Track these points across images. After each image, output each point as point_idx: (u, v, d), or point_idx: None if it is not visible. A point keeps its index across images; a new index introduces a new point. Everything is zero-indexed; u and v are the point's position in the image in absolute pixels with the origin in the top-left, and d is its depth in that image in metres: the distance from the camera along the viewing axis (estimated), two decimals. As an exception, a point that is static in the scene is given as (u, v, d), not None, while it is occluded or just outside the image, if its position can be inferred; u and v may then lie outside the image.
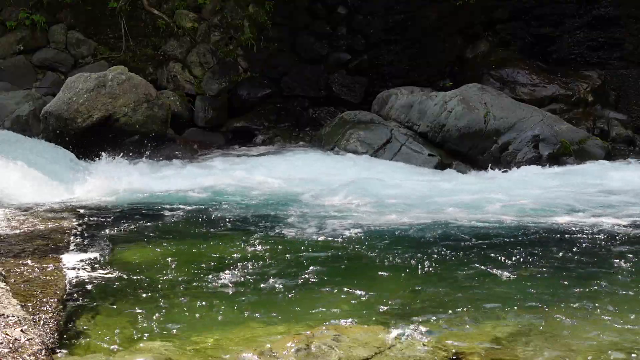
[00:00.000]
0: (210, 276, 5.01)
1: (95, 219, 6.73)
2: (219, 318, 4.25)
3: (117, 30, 12.75)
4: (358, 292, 4.71)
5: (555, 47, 12.39)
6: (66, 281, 4.63)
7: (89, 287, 4.67)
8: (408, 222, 6.68)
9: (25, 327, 3.18)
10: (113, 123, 10.23)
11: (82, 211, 7.04)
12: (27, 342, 3.03)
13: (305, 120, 12.49)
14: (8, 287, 3.82)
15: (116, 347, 3.77)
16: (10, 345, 2.97)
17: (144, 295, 4.60)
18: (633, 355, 3.69)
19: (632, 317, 4.22)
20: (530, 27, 12.48)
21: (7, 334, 3.06)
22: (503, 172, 9.76)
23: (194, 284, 4.85)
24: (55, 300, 4.15)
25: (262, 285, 4.85)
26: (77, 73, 11.09)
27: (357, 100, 12.53)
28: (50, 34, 12.67)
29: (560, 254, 5.62)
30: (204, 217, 6.97)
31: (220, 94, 12.43)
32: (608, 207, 7.38)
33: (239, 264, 5.32)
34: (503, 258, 5.47)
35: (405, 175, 9.24)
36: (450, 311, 4.35)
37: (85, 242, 5.78)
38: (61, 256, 5.17)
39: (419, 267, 5.29)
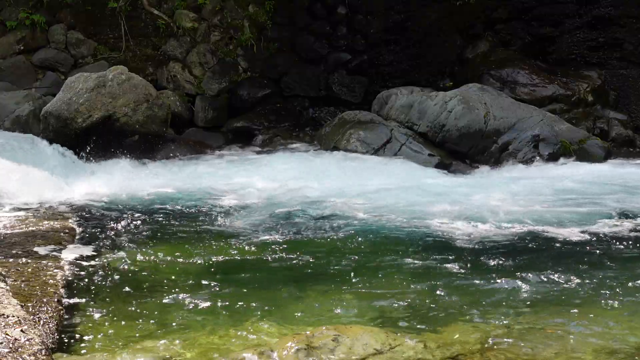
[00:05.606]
0: (210, 276, 5.01)
1: (95, 219, 6.73)
2: (219, 318, 4.25)
3: (117, 30, 12.75)
4: (358, 292, 4.71)
5: (555, 47, 12.39)
6: (66, 281, 4.63)
7: (89, 287, 4.67)
8: (407, 223, 6.68)
9: (25, 327, 3.18)
10: (113, 123, 10.22)
11: (82, 211, 7.04)
12: (27, 342, 3.03)
13: (305, 120, 12.48)
14: (8, 287, 3.82)
15: (116, 347, 3.77)
16: (10, 345, 2.97)
17: (144, 295, 4.60)
18: (635, 355, 3.69)
19: (633, 318, 4.22)
20: (530, 27, 12.47)
21: (7, 334, 3.06)
22: (502, 171, 9.75)
23: (194, 284, 4.85)
24: (55, 300, 4.14)
25: (261, 286, 4.85)
26: (77, 73, 11.08)
27: (357, 100, 12.52)
28: (50, 34, 12.66)
29: (561, 253, 5.62)
30: (204, 217, 6.98)
31: (220, 94, 12.44)
32: (609, 206, 7.38)
33: (238, 263, 5.32)
34: (503, 258, 5.47)
35: (405, 174, 9.22)
36: (450, 311, 4.35)
37: (85, 242, 5.78)
38: (61, 256, 5.17)
39: (419, 267, 5.29)
